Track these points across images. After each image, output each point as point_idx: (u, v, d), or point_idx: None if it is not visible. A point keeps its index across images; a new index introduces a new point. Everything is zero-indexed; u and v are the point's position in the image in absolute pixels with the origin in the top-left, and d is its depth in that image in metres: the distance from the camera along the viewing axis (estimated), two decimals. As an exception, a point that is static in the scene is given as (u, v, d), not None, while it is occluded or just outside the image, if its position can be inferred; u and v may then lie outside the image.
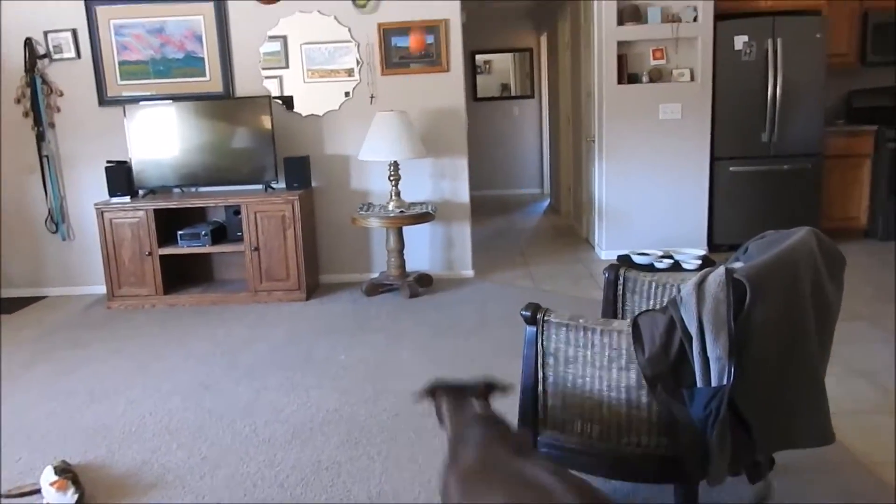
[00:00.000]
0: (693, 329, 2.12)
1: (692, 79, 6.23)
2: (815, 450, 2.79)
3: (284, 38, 5.75)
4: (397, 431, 3.31)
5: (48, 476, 2.81)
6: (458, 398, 2.24)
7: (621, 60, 6.23)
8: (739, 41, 6.17)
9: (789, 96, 6.25)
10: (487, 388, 2.27)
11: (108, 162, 5.66)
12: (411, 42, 5.70)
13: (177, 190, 5.83)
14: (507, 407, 3.36)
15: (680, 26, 6.10)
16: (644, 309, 2.75)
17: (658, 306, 2.82)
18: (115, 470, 3.07)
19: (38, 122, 5.82)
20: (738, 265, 2.21)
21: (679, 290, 2.20)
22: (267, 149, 5.60)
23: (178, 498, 2.82)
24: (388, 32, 5.71)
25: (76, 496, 2.76)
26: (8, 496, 2.86)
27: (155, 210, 5.47)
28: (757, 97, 6.27)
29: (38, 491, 2.84)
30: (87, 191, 5.97)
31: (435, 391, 2.31)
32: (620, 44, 6.20)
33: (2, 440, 3.40)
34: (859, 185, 6.76)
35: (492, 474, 1.89)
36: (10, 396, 3.93)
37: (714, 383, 2.09)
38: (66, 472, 2.83)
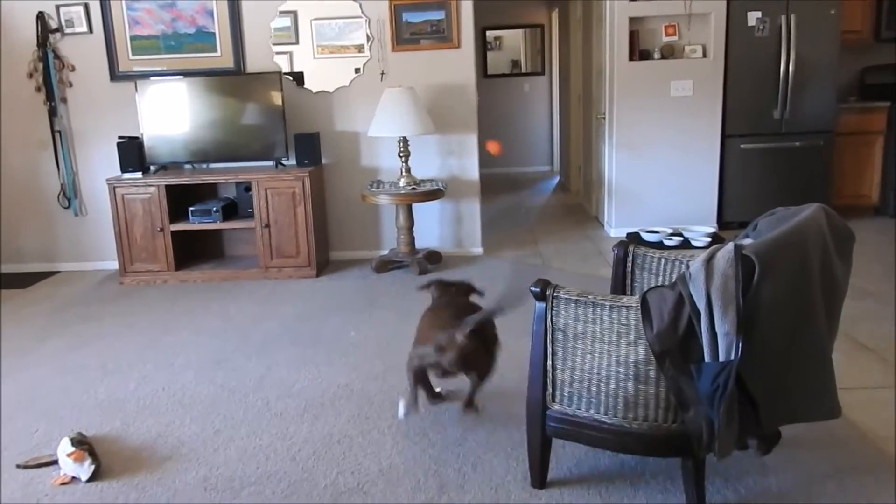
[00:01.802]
0: (701, 305, 2.13)
1: (704, 55, 6.20)
2: (822, 423, 2.82)
3: (295, 13, 5.74)
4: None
5: (65, 447, 2.85)
6: (446, 287, 3.32)
7: (633, 37, 6.19)
8: (753, 17, 6.13)
9: (802, 73, 6.21)
10: (468, 287, 3.32)
11: (120, 137, 5.68)
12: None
13: (188, 166, 5.86)
14: (516, 383, 3.40)
15: (693, 2, 6.05)
16: (653, 285, 2.76)
17: (667, 283, 2.83)
18: (130, 442, 3.12)
19: (50, 96, 5.84)
20: (747, 242, 2.22)
21: (688, 267, 2.21)
22: (277, 125, 5.60)
23: (193, 470, 2.87)
24: (398, 8, 5.69)
25: (93, 467, 2.80)
26: (26, 467, 2.91)
27: (166, 186, 5.50)
28: (769, 74, 6.23)
29: (55, 462, 2.89)
30: (99, 166, 6.00)
31: (431, 283, 3.34)
32: (632, 20, 6.17)
33: (18, 413, 3.45)
34: (871, 163, 6.73)
35: (431, 316, 3.10)
36: (24, 370, 3.98)
37: (722, 358, 2.11)
38: (83, 444, 2.88)
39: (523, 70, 11.13)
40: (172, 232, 5.57)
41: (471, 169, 6.00)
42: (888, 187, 6.72)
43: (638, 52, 6.25)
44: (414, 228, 5.67)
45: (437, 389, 3.28)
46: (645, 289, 2.58)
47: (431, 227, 6.09)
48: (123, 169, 5.59)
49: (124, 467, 2.90)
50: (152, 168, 5.78)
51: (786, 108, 6.29)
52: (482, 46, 10.90)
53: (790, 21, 6.11)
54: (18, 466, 2.93)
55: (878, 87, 7.08)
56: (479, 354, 2.83)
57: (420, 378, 3.03)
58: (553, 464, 2.73)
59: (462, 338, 2.71)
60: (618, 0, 6.11)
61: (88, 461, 2.81)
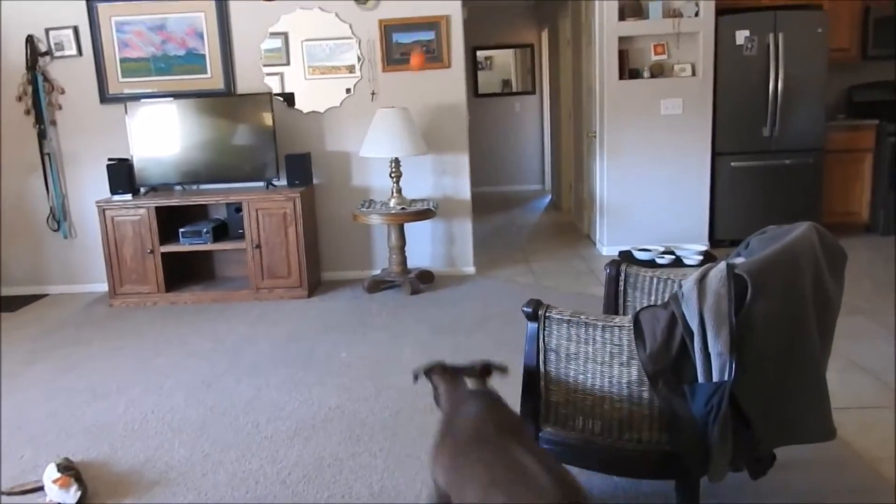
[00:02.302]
0: (694, 325, 2.12)
1: (693, 74, 6.22)
2: (817, 445, 2.79)
3: (285, 34, 5.75)
4: (399, 428, 3.31)
5: (51, 473, 2.82)
6: (455, 377, 2.32)
7: (622, 56, 6.22)
8: (741, 36, 6.16)
9: (790, 91, 6.24)
10: (485, 369, 2.33)
11: (110, 160, 5.66)
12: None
13: (178, 187, 5.84)
14: (512, 401, 3.37)
15: (681, 21, 6.09)
16: (645, 305, 2.75)
17: (659, 302, 2.82)
18: (118, 467, 3.08)
19: (39, 119, 5.82)
20: (739, 260, 2.21)
21: (680, 286, 2.20)
22: (268, 146, 5.60)
23: (181, 495, 2.83)
24: (388, 29, 5.71)
25: (79, 494, 2.76)
26: (10, 493, 2.87)
27: (156, 208, 5.47)
28: (758, 92, 6.26)
29: (40, 488, 2.85)
30: (88, 188, 5.98)
31: (433, 371, 2.36)
32: (621, 39, 6.20)
33: (3, 438, 3.40)
34: (860, 180, 6.76)
35: (481, 447, 1.91)
36: (12, 394, 3.94)
37: (715, 379, 2.10)
38: (69, 470, 2.84)
39: (514, 89, 11.17)
40: (162, 253, 5.54)
41: (462, 188, 5.99)
42: (878, 205, 6.75)
43: (627, 70, 6.28)
44: (406, 248, 5.66)
45: None
46: (637, 308, 2.57)
47: (423, 246, 6.07)
48: (113, 191, 5.57)
49: (112, 492, 2.86)
50: (142, 190, 5.75)
51: (775, 126, 6.32)
52: (473, 66, 10.93)
53: (778, 39, 6.15)
54: (4, 493, 2.88)
55: (866, 105, 7.12)
56: None
57: None
58: (546, 486, 2.70)
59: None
60: (607, 20, 6.14)
61: (75, 487, 2.77)
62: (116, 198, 5.55)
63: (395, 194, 5.56)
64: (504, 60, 11.08)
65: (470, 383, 2.29)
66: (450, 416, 2.18)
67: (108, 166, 5.56)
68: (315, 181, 5.94)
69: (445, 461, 2.02)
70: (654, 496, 2.64)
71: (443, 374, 2.34)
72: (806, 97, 6.27)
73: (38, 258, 6.12)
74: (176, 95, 5.71)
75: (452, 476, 1.98)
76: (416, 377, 2.39)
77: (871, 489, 2.65)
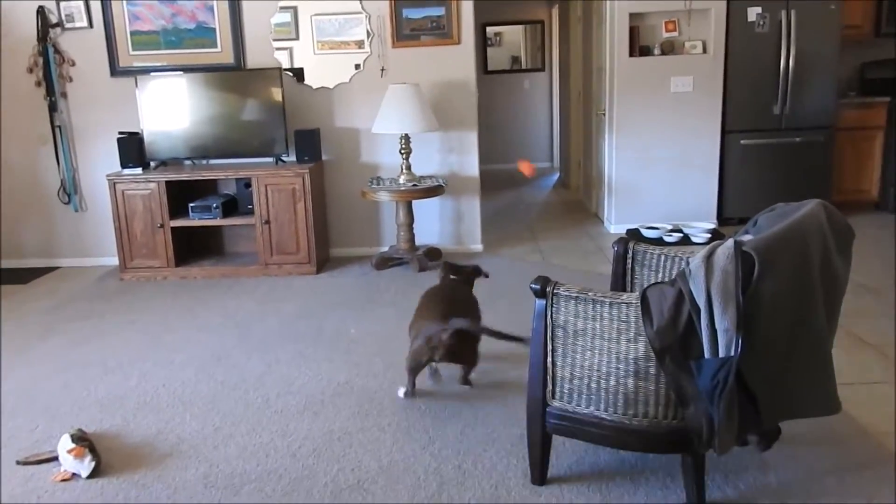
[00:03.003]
0: (701, 301, 2.13)
1: (704, 51, 6.19)
2: (822, 419, 2.82)
3: (295, 9, 5.73)
4: (407, 403, 3.34)
5: (65, 444, 2.86)
6: (451, 270, 3.73)
7: (633, 33, 6.19)
8: (753, 12, 6.12)
9: (802, 68, 6.21)
10: (474, 271, 3.76)
11: (120, 133, 5.67)
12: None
13: (188, 162, 5.85)
14: (516, 380, 3.41)
15: (692, -2, 6.05)
16: (653, 282, 2.76)
17: (667, 279, 2.84)
18: (131, 439, 3.12)
19: (50, 91, 5.83)
20: (747, 238, 2.22)
21: (688, 263, 2.21)
22: (277, 121, 5.60)
23: (193, 467, 2.87)
24: (398, 4, 5.68)
25: (93, 464, 2.80)
26: (26, 463, 2.92)
27: (167, 182, 5.49)
28: (769, 69, 6.23)
29: (55, 458, 2.89)
30: (99, 162, 6.00)
31: (440, 265, 3.80)
32: (632, 16, 6.16)
33: (19, 409, 3.45)
34: (871, 158, 6.73)
35: (428, 307, 3.39)
36: (25, 366, 3.98)
37: (722, 355, 2.11)
38: (83, 441, 2.88)
39: (523, 66, 11.12)
40: (172, 228, 5.56)
41: (471, 166, 5.99)
42: (888, 183, 6.72)
43: (638, 48, 6.25)
44: (414, 225, 5.67)
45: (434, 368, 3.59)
46: (645, 285, 2.58)
47: (431, 223, 6.09)
48: (123, 164, 5.59)
49: (125, 464, 2.90)
50: (152, 164, 5.77)
51: (786, 104, 6.29)
52: (482, 43, 10.89)
53: (790, 16, 6.10)
54: (19, 463, 2.93)
55: (879, 83, 7.07)
56: (463, 351, 3.20)
57: (417, 371, 3.34)
58: (553, 461, 2.74)
59: (447, 338, 3.08)
60: (618, -4, 6.10)
61: (89, 458, 2.81)
62: (126, 171, 5.57)
63: (404, 171, 5.57)
64: (514, 37, 11.02)
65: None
66: (432, 290, 3.58)
67: (118, 140, 5.58)
68: (324, 157, 5.95)
69: (417, 308, 3.47)
70: (661, 470, 2.67)
71: (444, 267, 3.76)
72: (818, 74, 6.23)
73: (50, 231, 6.16)
74: (186, 69, 5.71)
75: (414, 318, 3.41)
76: (431, 266, 4.25)
77: (876, 463, 2.67)
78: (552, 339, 2.41)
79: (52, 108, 5.87)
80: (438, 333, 3.10)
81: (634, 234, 6.02)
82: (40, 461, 2.92)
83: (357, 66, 5.81)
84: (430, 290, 3.59)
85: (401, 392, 3.39)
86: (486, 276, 3.82)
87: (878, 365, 3.56)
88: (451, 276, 3.73)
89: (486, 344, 3.27)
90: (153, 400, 3.50)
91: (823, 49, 6.19)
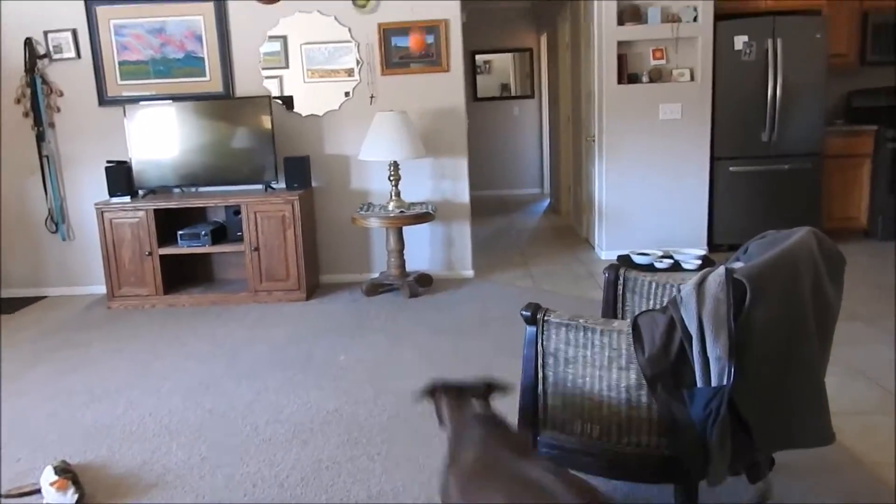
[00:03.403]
0: (693, 329, 2.12)
1: (692, 79, 6.23)
2: (816, 450, 2.79)
3: (284, 38, 5.76)
4: (397, 432, 3.31)
5: (48, 476, 2.81)
6: (458, 398, 2.25)
7: (621, 60, 6.23)
8: (739, 41, 6.17)
9: (789, 96, 6.25)
10: (487, 389, 2.28)
11: (108, 162, 5.66)
12: (411, 42, 5.71)
13: (177, 190, 5.83)
14: (507, 407, 3.37)
15: (680, 26, 6.10)
16: (644, 309, 2.75)
17: (658, 306, 2.82)
18: (116, 470, 3.07)
19: (38, 122, 5.82)
20: (738, 265, 2.21)
21: (679, 290, 2.20)
22: (267, 149, 5.60)
23: (179, 498, 2.82)
24: (388, 32, 5.71)
25: (76, 496, 2.76)
26: (8, 496, 2.86)
27: (155, 210, 5.47)
28: (757, 97, 6.27)
29: (38, 491, 2.84)
30: (87, 191, 5.98)
31: (435, 391, 2.31)
32: (620, 44, 6.21)
33: (2, 440, 3.40)
34: (859, 185, 6.76)
35: (491, 474, 1.89)
36: (10, 396, 3.93)
37: (714, 383, 2.10)
38: (67, 472, 2.83)
39: (513, 93, 11.18)
40: (161, 256, 5.53)
41: (461, 192, 6.00)
42: (876, 210, 6.75)
43: (626, 75, 6.28)
44: (404, 251, 5.66)
45: None
46: (636, 312, 2.57)
47: (422, 249, 6.07)
48: (112, 193, 5.57)
49: (109, 495, 2.86)
50: (140, 192, 5.75)
51: (774, 131, 6.33)
52: (472, 70, 10.95)
53: (776, 45, 6.16)
54: (1, 495, 2.88)
55: (865, 111, 7.13)
56: None
57: None
58: (545, 490, 2.70)
59: None
60: (606, 24, 6.14)
61: (72, 490, 2.76)
62: (115, 200, 5.55)
63: (393, 198, 5.56)
64: (503, 64, 11.09)
65: (474, 403, 2.25)
66: (455, 440, 2.14)
67: (106, 168, 5.56)
68: (314, 184, 5.94)
69: (458, 488, 1.97)
70: (653, 500, 2.64)
71: (445, 394, 2.29)
72: (805, 102, 6.28)
73: (37, 260, 6.12)
74: (174, 98, 5.72)
75: None
76: (418, 398, 2.35)
77: (870, 494, 2.65)
78: (543, 367, 2.39)
79: (40, 139, 5.85)
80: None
81: (625, 261, 6.02)
82: (22, 493, 2.87)
83: (347, 94, 5.83)
84: (468, 455, 2.01)
85: None
86: (507, 392, 2.32)
87: (871, 394, 3.54)
88: (468, 399, 2.27)
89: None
90: (139, 429, 3.46)
91: (810, 77, 6.24)
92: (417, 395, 2.35)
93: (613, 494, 2.69)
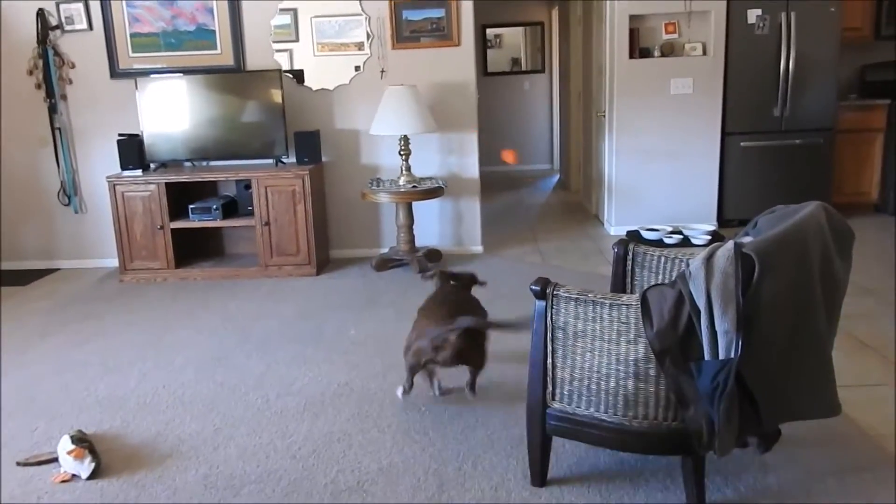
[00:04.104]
0: (701, 303, 2.13)
1: (704, 53, 6.19)
2: (822, 421, 2.82)
3: (295, 11, 5.74)
4: (407, 404, 3.34)
5: (65, 445, 2.86)
6: (447, 278, 3.54)
7: (633, 34, 6.19)
8: (753, 15, 6.12)
9: (802, 70, 6.21)
10: (471, 278, 3.60)
11: (120, 135, 5.68)
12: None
13: (188, 164, 5.85)
14: (516, 381, 3.40)
15: (693, 0, 6.05)
16: (653, 283, 2.76)
17: (667, 281, 2.84)
18: (131, 440, 3.12)
19: (50, 94, 5.84)
20: (747, 240, 2.22)
21: (688, 265, 2.21)
22: (277, 123, 5.60)
23: (193, 468, 2.87)
24: (398, 6, 5.69)
25: (93, 465, 2.80)
26: (26, 464, 2.91)
27: (166, 184, 5.49)
28: (769, 71, 6.23)
29: (55, 459, 2.89)
30: (99, 164, 6.00)
31: (435, 273, 3.55)
32: (632, 17, 6.17)
33: (18, 410, 3.45)
34: (871, 160, 6.73)
35: (430, 312, 3.21)
36: (25, 367, 3.98)
37: (722, 356, 2.11)
38: (83, 442, 2.88)
39: (523, 68, 11.12)
40: (172, 230, 5.57)
41: (471, 167, 6.00)
42: (888, 185, 6.72)
43: (638, 49, 6.25)
44: (414, 227, 5.67)
45: (437, 380, 3.43)
46: (645, 287, 2.58)
47: (431, 225, 6.09)
48: (123, 166, 5.59)
49: (124, 465, 2.90)
50: (152, 165, 5.77)
51: (786, 106, 6.29)
52: (482, 44, 10.89)
53: (790, 18, 6.10)
54: (18, 464, 2.93)
55: (879, 85, 7.08)
56: (471, 351, 3.06)
57: (417, 370, 3.21)
58: (553, 462, 2.74)
59: (455, 338, 2.96)
60: (618, -2, 6.11)
61: (88, 459, 2.81)
62: (127, 173, 5.58)
63: (404, 172, 5.57)
64: (514, 39, 11.03)
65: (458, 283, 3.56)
66: (432, 297, 3.40)
67: (118, 141, 5.58)
68: (324, 159, 5.95)
69: (417, 317, 3.27)
70: (660, 472, 2.67)
71: (441, 275, 3.54)
72: (818, 77, 6.24)
73: (50, 233, 6.16)
74: (186, 71, 5.72)
75: (416, 325, 3.21)
76: (424, 276, 3.62)
77: (876, 465, 2.67)
78: (552, 341, 2.41)
79: (52, 111, 5.87)
80: (444, 333, 2.97)
81: (634, 236, 6.02)
82: (40, 462, 2.92)
83: (357, 68, 5.82)
84: (430, 296, 3.44)
85: (399, 391, 3.33)
86: (484, 284, 3.64)
87: (878, 367, 3.56)
88: (451, 283, 3.59)
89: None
90: (153, 401, 3.50)
91: (823, 51, 6.19)
92: (425, 275, 3.62)
93: (621, 466, 2.72)
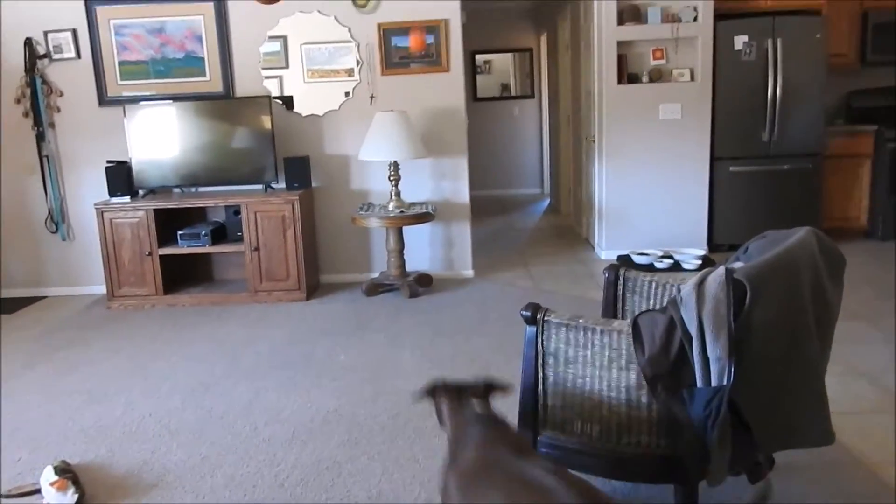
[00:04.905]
0: (693, 329, 2.12)
1: (692, 79, 6.23)
2: (816, 450, 2.79)
3: (284, 38, 5.75)
4: (397, 431, 3.31)
5: (48, 476, 2.81)
6: (458, 398, 2.24)
7: (621, 60, 6.23)
8: (739, 41, 6.17)
9: (789, 96, 6.25)
10: (487, 388, 2.26)
11: (108, 162, 5.66)
12: (411, 42, 5.71)
13: (177, 190, 5.83)
14: (507, 407, 3.37)
15: (680, 26, 6.10)
16: (644, 309, 2.75)
17: (658, 306, 2.82)
18: (116, 470, 3.07)
19: (38, 122, 5.82)
20: (738, 265, 2.21)
21: (679, 291, 2.20)
22: (267, 149, 5.59)
23: (179, 498, 2.82)
24: (388, 32, 5.71)
25: (76, 496, 2.76)
26: (8, 496, 2.86)
27: (155, 210, 5.47)
28: (757, 97, 6.27)
29: (38, 491, 2.84)
30: (87, 191, 5.97)
31: (435, 391, 2.30)
32: (620, 44, 6.20)
33: (1, 440, 3.40)
34: (859, 186, 6.76)
35: (492, 474, 1.88)
36: (10, 396, 3.93)
37: (714, 383, 2.09)
38: (67, 472, 2.83)
39: (513, 93, 11.17)
40: (161, 256, 5.53)
41: (461, 192, 6.00)
42: (876, 210, 6.75)
43: (626, 75, 6.28)
44: (404, 251, 5.66)
45: None
46: (636, 312, 2.57)
47: (422, 249, 6.07)
48: (112, 193, 5.56)
49: (109, 495, 2.86)
50: (140, 192, 5.75)
51: (774, 131, 6.32)
52: (471, 70, 10.94)
53: (776, 45, 6.15)
54: (1, 495, 2.88)
55: (865, 111, 7.13)
56: None
57: None
58: (545, 490, 2.69)
59: None
60: (606, 24, 6.14)
61: (72, 490, 2.76)
62: (115, 200, 5.55)
63: (393, 197, 5.56)
64: (503, 64, 11.09)
65: (474, 402, 2.24)
66: (455, 440, 2.12)
67: (106, 168, 5.56)
68: (314, 184, 5.94)
69: (458, 488, 1.96)
70: (653, 500, 2.64)
71: (446, 393, 2.26)
72: (805, 102, 6.28)
73: (37, 260, 6.12)
74: (174, 98, 5.71)
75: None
76: (418, 397, 2.34)
77: (870, 493, 2.65)
78: (543, 367, 2.39)
79: (40, 139, 5.85)
80: None
81: (625, 261, 6.02)
82: (23, 494, 2.87)
83: (347, 94, 5.83)
84: (467, 455, 2.01)
85: None
86: (507, 390, 2.30)
87: (871, 393, 3.54)
88: (460, 402, 2.25)
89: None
90: (139, 429, 3.46)
91: (810, 77, 6.24)
92: (417, 394, 2.34)
93: (613, 495, 2.69)
